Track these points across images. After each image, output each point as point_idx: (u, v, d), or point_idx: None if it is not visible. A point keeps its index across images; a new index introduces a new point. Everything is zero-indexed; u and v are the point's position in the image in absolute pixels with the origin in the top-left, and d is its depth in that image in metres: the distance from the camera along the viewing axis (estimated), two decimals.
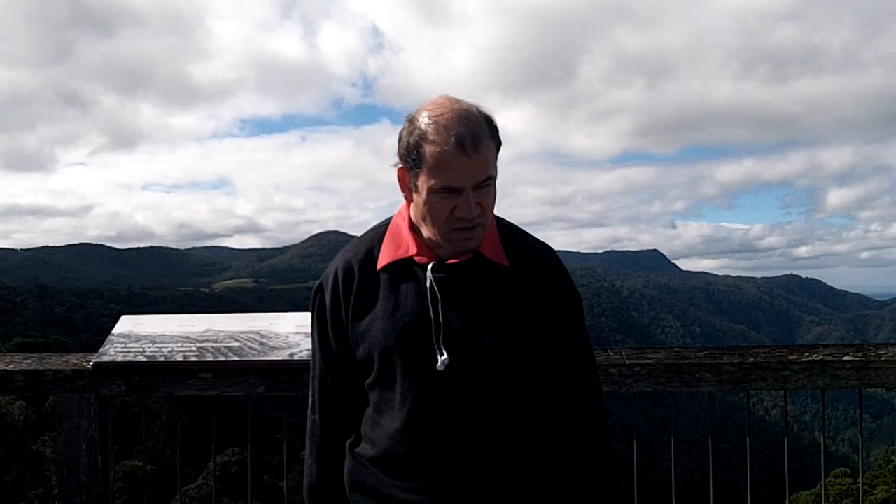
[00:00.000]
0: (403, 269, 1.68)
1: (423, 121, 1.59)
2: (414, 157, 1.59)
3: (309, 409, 1.85)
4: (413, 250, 1.68)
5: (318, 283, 1.81)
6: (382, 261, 1.71)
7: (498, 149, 1.64)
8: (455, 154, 1.54)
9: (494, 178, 1.61)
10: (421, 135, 1.58)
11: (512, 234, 1.75)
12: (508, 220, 1.81)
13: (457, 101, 1.63)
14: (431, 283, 1.64)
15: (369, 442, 1.72)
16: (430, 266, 1.66)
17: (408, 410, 1.64)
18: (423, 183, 1.60)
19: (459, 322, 1.63)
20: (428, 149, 1.56)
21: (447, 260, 1.66)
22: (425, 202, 1.61)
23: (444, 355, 1.60)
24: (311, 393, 1.85)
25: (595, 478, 1.70)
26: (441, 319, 1.62)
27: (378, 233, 1.77)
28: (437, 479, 1.63)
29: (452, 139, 1.54)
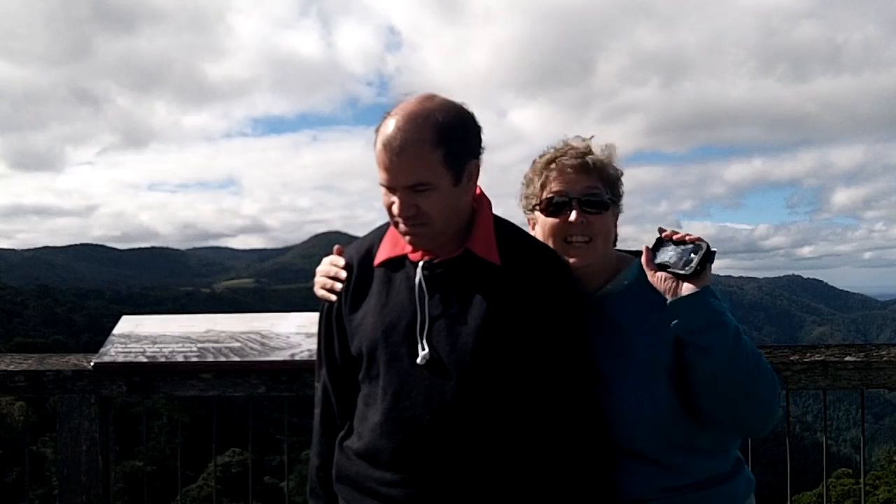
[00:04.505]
0: (399, 266, 1.75)
1: (384, 119, 1.65)
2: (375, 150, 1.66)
3: (315, 404, 1.91)
4: (408, 248, 1.73)
5: None
6: (379, 257, 1.78)
7: (452, 156, 1.61)
8: (381, 152, 1.61)
9: (430, 184, 1.60)
10: (376, 129, 1.65)
11: (509, 234, 1.76)
12: (511, 220, 1.82)
13: (422, 101, 1.64)
14: (420, 280, 1.69)
15: (357, 434, 1.76)
16: (420, 263, 1.71)
17: (387, 403, 1.68)
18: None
19: (444, 318, 1.67)
20: (376, 144, 1.64)
21: (439, 257, 1.70)
22: (381, 194, 1.68)
23: (425, 350, 1.65)
24: (315, 387, 1.91)
25: (574, 482, 1.68)
26: (426, 315, 1.67)
27: (381, 231, 1.83)
28: (416, 472, 1.65)
29: (382, 139, 1.61)
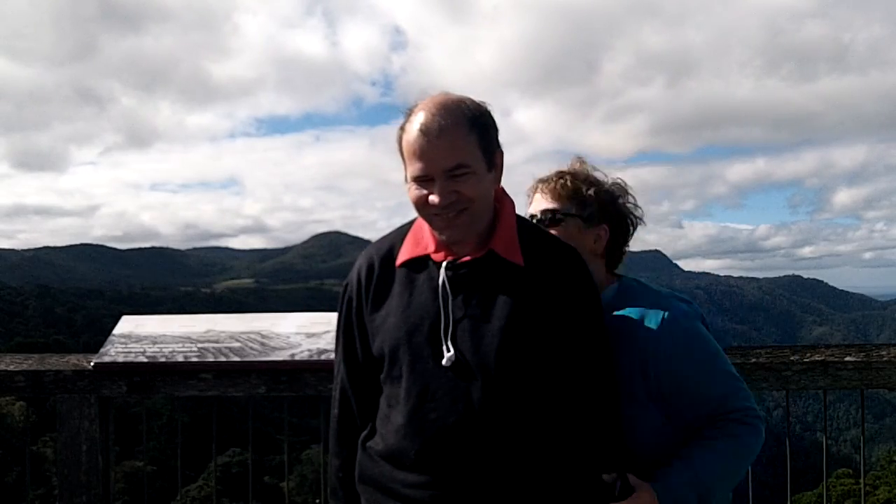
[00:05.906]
0: (421, 266, 1.73)
1: (409, 115, 1.65)
2: (399, 149, 1.66)
3: (332, 404, 1.90)
4: (431, 248, 1.72)
5: (346, 279, 1.86)
6: (401, 257, 1.76)
7: (485, 141, 1.64)
8: (418, 139, 1.60)
9: (469, 166, 1.61)
10: (400, 127, 1.65)
11: (533, 235, 1.75)
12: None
13: (446, 95, 1.66)
14: (444, 280, 1.67)
15: (380, 436, 1.75)
16: (443, 264, 1.69)
17: (411, 405, 1.66)
18: (406, 174, 1.66)
19: (467, 319, 1.65)
20: (403, 139, 1.64)
21: (462, 258, 1.69)
22: (409, 192, 1.66)
23: (450, 351, 1.63)
24: (333, 387, 1.89)
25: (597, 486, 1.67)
26: (450, 316, 1.65)
27: (402, 230, 1.81)
28: (440, 474, 1.63)
29: (417, 126, 1.60)
